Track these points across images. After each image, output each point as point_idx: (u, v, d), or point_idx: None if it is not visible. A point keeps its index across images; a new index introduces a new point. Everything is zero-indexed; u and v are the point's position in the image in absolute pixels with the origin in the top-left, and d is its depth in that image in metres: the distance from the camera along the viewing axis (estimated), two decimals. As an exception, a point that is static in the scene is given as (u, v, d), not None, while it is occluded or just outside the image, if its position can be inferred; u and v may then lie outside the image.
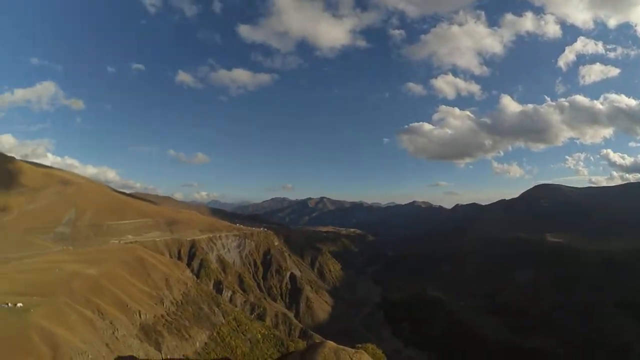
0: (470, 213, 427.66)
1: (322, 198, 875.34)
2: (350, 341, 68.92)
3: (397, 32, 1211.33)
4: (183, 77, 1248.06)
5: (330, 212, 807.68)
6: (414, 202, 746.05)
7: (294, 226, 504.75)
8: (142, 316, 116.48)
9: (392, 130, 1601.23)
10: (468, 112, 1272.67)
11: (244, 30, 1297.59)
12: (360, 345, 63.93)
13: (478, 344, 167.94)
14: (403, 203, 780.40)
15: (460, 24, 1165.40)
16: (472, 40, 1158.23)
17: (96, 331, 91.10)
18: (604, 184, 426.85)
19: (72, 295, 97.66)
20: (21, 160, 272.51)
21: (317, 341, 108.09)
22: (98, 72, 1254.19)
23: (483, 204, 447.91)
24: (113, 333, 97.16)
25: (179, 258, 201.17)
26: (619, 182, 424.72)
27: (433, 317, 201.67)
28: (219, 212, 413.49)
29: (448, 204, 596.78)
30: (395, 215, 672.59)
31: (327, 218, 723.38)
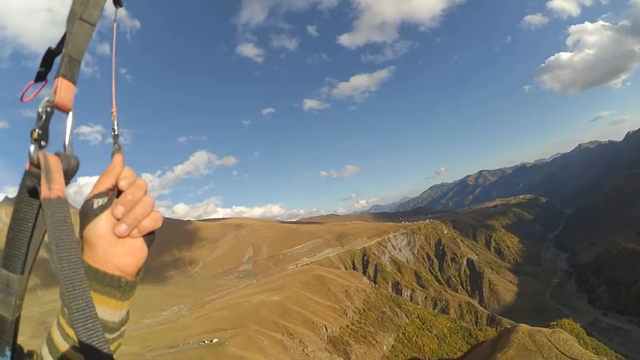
0: None
1: (480, 172, 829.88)
2: (544, 319, 59.51)
3: None
4: (309, 103, 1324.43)
5: (493, 184, 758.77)
6: (579, 145, 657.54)
7: (459, 209, 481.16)
8: (328, 329, 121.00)
9: (529, 74, 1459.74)
10: (601, 22, 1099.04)
11: (345, 39, 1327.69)
12: (555, 323, 54.71)
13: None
14: (568, 150, 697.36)
15: None
16: None
17: (287, 350, 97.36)
18: None
19: (262, 322, 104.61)
20: (196, 220, 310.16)
21: (508, 326, 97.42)
22: (237, 128, 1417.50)
23: None
24: (303, 350, 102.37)
25: (354, 268, 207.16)
26: None
27: (633, 274, 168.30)
28: (381, 215, 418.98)
29: (618, 136, 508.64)
30: (563, 167, 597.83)
31: (492, 191, 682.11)
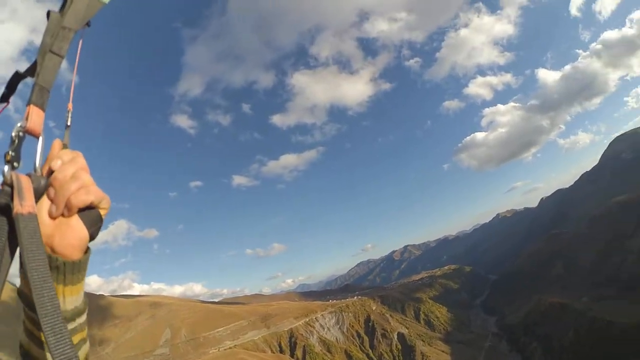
0: (558, 201, 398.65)
1: (405, 247, 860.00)
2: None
3: (412, 61, 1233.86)
4: (238, 180, 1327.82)
5: (418, 257, 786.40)
6: (497, 215, 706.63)
7: (387, 284, 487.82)
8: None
9: (447, 154, 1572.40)
10: (512, 103, 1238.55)
11: (277, 119, 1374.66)
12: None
13: (621, 333, 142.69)
14: (488, 220, 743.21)
15: (466, 25, 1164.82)
16: (483, 35, 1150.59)
17: None
18: None
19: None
20: (110, 295, 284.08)
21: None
22: (162, 199, 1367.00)
23: (568, 186, 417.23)
24: None
25: (281, 351, 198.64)
26: None
27: (561, 326, 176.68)
28: (309, 294, 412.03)
29: (533, 203, 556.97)
30: (484, 236, 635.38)
31: (417, 264, 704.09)
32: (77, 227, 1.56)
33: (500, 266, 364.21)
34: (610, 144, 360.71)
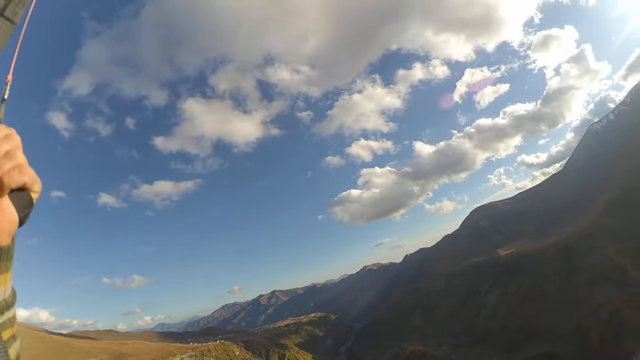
0: (420, 258, 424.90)
1: (273, 292, 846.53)
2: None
3: (304, 113, 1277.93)
4: (105, 198, 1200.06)
5: (285, 303, 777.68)
6: (364, 267, 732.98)
7: (252, 328, 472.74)
8: None
9: (323, 206, 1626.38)
10: (388, 167, 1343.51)
11: (160, 142, 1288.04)
12: None
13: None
14: (355, 272, 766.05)
15: (360, 91, 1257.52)
16: (373, 103, 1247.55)
17: None
18: (530, 185, 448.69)
19: None
20: None
21: None
22: None
23: (430, 246, 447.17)
24: None
25: None
26: (542, 178, 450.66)
27: None
28: (168, 335, 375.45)
29: (398, 259, 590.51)
30: (351, 286, 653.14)
31: (284, 310, 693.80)
32: (7, 209, 1.36)
33: (364, 315, 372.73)
34: (470, 212, 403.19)
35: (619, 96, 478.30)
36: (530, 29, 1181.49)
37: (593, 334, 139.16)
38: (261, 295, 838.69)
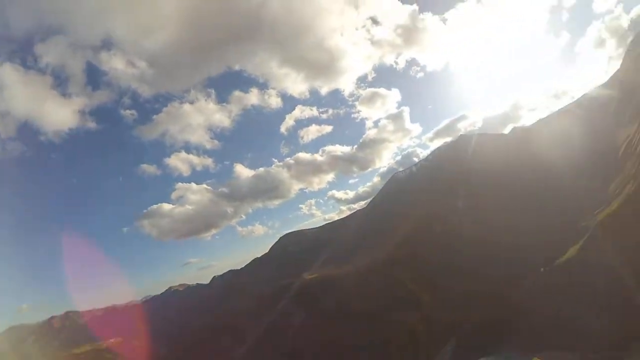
0: (229, 279, 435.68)
1: (67, 313, 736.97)
2: None
3: (129, 112, 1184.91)
4: None
5: (83, 326, 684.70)
6: (170, 288, 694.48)
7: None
8: None
9: (130, 217, 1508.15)
10: (205, 185, 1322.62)
11: None
12: None
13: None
14: (159, 292, 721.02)
15: (192, 102, 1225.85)
16: (203, 117, 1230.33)
17: None
18: (337, 217, 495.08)
19: None
20: None
21: None
22: None
23: (239, 268, 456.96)
24: None
25: None
26: (348, 212, 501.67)
27: None
28: None
29: (205, 279, 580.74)
30: (155, 308, 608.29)
31: (82, 335, 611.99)
32: None
33: (172, 340, 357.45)
34: (280, 238, 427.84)
35: (423, 153, 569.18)
36: (363, 84, 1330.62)
37: (393, 347, 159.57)
38: (53, 317, 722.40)
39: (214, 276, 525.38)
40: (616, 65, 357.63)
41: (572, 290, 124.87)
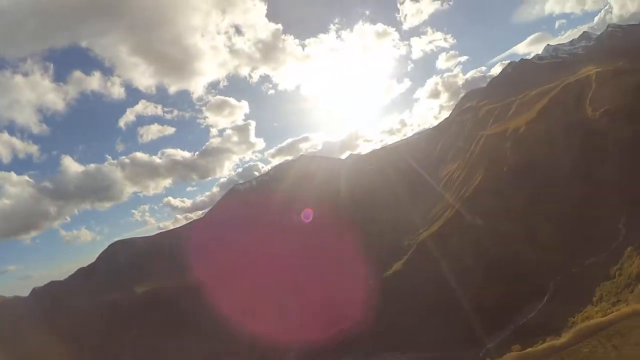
0: (51, 292, 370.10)
1: None
2: None
3: None
4: None
5: None
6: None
7: None
8: None
9: None
10: (27, 177, 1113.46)
11: None
12: None
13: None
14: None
15: (25, 74, 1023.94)
16: (35, 94, 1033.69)
17: None
18: (172, 227, 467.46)
19: None
20: None
21: None
22: None
23: (63, 279, 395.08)
24: None
25: None
26: (183, 222, 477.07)
27: None
28: None
29: (25, 291, 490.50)
30: None
31: None
32: None
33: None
34: (109, 245, 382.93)
35: (265, 169, 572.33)
36: (213, 90, 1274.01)
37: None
38: None
39: (34, 288, 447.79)
40: (445, 114, 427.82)
41: (403, 299, 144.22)
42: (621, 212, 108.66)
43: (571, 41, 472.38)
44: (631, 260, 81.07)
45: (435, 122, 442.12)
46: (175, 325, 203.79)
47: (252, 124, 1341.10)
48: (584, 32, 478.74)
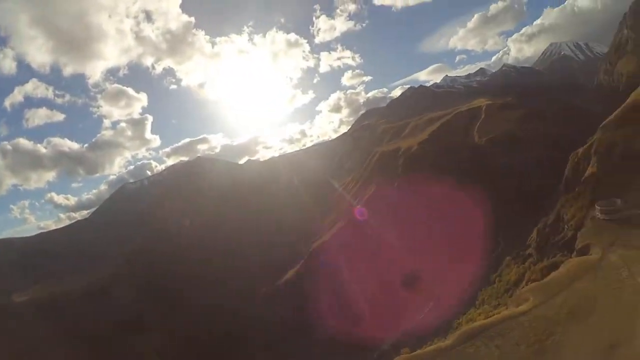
0: None
1: None
2: None
3: None
4: None
5: None
6: None
7: None
8: None
9: None
10: None
11: None
12: None
13: None
14: None
15: None
16: None
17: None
18: (54, 226, 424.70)
19: None
20: None
21: None
22: None
23: None
24: None
25: None
26: (67, 222, 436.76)
27: None
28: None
29: None
30: None
31: None
32: None
33: None
34: None
35: (158, 168, 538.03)
36: (112, 77, 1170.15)
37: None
38: None
39: None
40: (345, 128, 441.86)
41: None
42: (498, 226, 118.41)
43: (468, 75, 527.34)
44: (509, 269, 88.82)
45: (335, 135, 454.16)
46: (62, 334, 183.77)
47: (149, 118, 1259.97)
48: (480, 68, 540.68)
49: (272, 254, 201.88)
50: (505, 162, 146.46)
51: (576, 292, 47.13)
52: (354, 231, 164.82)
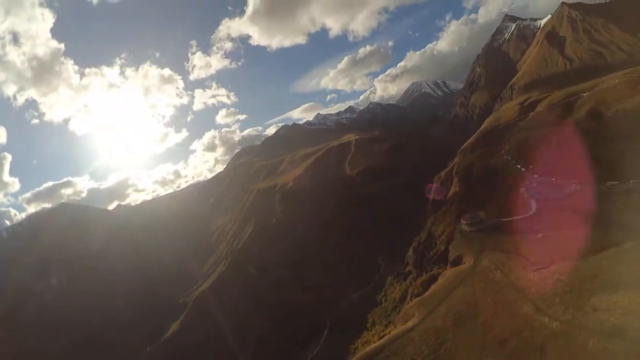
0: None
1: None
2: None
3: None
4: None
5: None
6: None
7: None
8: None
9: None
10: None
11: None
12: None
13: None
14: None
15: None
16: None
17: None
18: None
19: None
20: None
21: None
22: None
23: None
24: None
25: None
26: None
27: None
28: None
29: None
30: None
31: None
32: None
33: None
34: None
35: (18, 217, 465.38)
36: None
37: None
38: None
39: None
40: (220, 167, 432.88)
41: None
42: (378, 250, 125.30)
43: (338, 112, 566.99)
44: (393, 287, 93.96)
45: (210, 175, 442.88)
46: None
47: (8, 158, 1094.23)
48: (350, 106, 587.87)
49: (150, 308, 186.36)
50: (375, 191, 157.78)
51: (458, 299, 52.23)
52: (234, 274, 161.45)
